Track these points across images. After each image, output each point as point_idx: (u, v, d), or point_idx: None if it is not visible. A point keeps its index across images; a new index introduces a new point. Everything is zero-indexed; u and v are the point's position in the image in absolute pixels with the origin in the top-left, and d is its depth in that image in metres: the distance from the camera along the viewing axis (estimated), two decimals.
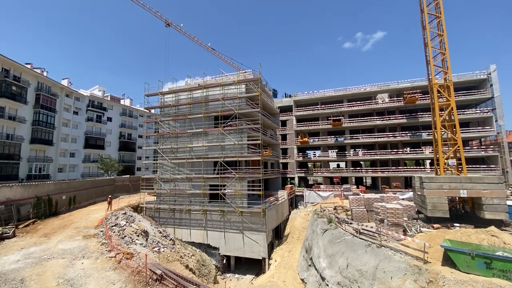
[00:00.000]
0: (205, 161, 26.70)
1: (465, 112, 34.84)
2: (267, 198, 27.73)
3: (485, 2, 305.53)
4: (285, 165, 44.70)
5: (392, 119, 38.14)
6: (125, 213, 24.55)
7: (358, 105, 40.15)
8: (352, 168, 40.65)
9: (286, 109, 45.31)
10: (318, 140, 42.13)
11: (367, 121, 39.51)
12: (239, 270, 23.56)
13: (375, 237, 14.45)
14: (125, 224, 21.51)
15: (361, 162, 49.41)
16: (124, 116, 55.81)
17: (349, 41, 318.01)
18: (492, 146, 34.09)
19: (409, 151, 38.17)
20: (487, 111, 34.31)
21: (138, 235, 20.50)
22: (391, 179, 37.06)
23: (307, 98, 44.00)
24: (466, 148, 34.41)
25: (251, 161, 30.15)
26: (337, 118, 40.02)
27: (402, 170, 36.54)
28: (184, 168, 27.59)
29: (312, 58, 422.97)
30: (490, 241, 12.37)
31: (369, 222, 18.63)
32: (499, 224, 14.63)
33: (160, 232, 23.54)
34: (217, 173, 25.72)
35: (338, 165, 57.46)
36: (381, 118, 39.04)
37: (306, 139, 40.81)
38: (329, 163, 49.36)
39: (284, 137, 45.22)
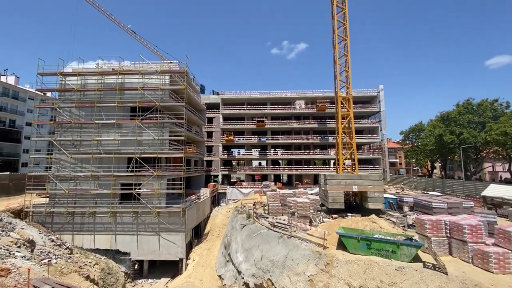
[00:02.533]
0: (117, 157, 23.71)
1: (360, 122, 42.28)
2: (188, 197, 26.83)
3: (378, 38, 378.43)
4: (209, 163, 44.24)
5: (306, 124, 42.91)
6: (0, 220, 19.35)
7: (279, 109, 43.44)
8: (272, 166, 43.71)
9: (213, 106, 44.89)
10: (243, 139, 43.48)
11: (286, 124, 43.14)
12: (153, 274, 21.98)
13: (287, 229, 15.90)
14: None
15: (280, 161, 53.61)
16: (4, 97, 43.98)
17: (276, 47, 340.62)
18: (377, 150, 42.57)
19: (319, 152, 43.75)
20: (375, 122, 42.64)
21: (19, 246, 16.49)
22: (303, 176, 41.71)
23: (234, 97, 44.77)
24: (359, 151, 41.84)
25: (172, 158, 28.51)
26: (261, 119, 42.21)
27: (312, 168, 41.66)
28: (90, 164, 23.76)
29: (242, 59, 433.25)
30: (371, 226, 15.34)
31: (283, 215, 20.35)
32: (378, 212, 18.36)
33: (53, 241, 19.60)
34: (132, 171, 23.23)
35: (260, 163, 60.67)
36: (298, 122, 43.34)
37: (231, 137, 41.46)
38: (252, 161, 51.63)
39: (210, 134, 44.71)
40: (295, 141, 42.62)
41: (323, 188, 20.22)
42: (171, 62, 29.86)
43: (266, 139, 42.91)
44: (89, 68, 27.06)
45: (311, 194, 27.61)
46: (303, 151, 42.76)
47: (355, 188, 18.42)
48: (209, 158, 43.72)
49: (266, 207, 23.16)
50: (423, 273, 10.01)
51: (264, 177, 45.13)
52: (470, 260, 11.07)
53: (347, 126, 23.54)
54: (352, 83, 24.36)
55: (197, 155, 35.64)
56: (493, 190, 23.63)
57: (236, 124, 43.73)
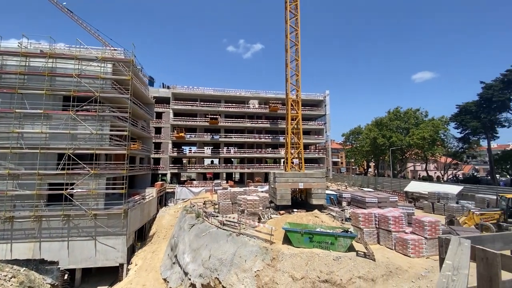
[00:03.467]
0: (45, 152, 20.58)
1: (308, 124, 45.01)
2: (132, 197, 24.89)
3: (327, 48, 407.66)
4: (157, 161, 41.74)
5: (259, 123, 43.86)
6: None
7: (234, 107, 43.43)
8: (224, 165, 43.49)
9: (163, 101, 42.41)
10: (195, 136, 42.20)
11: (240, 122, 43.37)
12: (88, 283, 19.80)
13: (236, 226, 15.99)
14: None
15: (233, 159, 53.68)
16: None
17: (232, 45, 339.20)
18: (322, 150, 45.91)
19: (270, 151, 45.16)
20: (321, 124, 45.90)
21: None
22: (255, 174, 42.58)
23: (186, 92, 43.08)
24: (306, 151, 44.53)
25: (114, 155, 26.05)
26: (215, 116, 41.55)
27: (264, 167, 42.83)
28: (7, 161, 20.12)
29: (196, 53, 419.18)
30: (314, 221, 16.44)
31: (233, 213, 20.43)
32: (321, 207, 19.83)
33: None
34: (63, 169, 20.44)
35: (212, 162, 59.76)
36: (251, 121, 43.98)
37: (182, 134, 39.83)
38: (204, 159, 50.51)
39: (158, 130, 42.17)
40: (248, 140, 43.20)
41: (272, 186, 20.94)
42: (115, 49, 27.18)
43: (219, 137, 42.46)
44: (9, 47, 22.89)
45: (262, 191, 28.32)
46: (255, 149, 43.61)
47: (301, 185, 19.53)
48: (156, 156, 41.24)
49: (217, 206, 22.94)
50: (356, 261, 11.17)
51: (216, 176, 44.62)
52: (393, 247, 12.77)
53: (295, 127, 24.79)
54: (301, 87, 25.79)
55: (143, 152, 33.30)
56: (413, 186, 27.65)
57: (188, 121, 42.21)
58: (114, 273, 20.10)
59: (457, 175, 53.34)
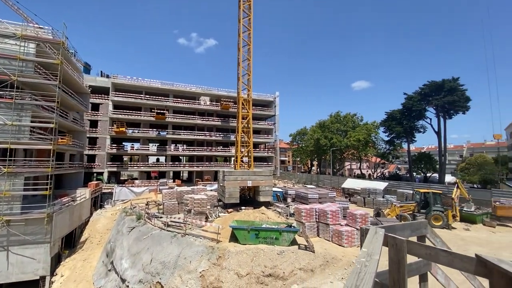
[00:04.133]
0: None
1: (258, 123, 46.04)
2: (59, 199, 21.75)
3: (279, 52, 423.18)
4: (92, 158, 37.37)
5: (210, 121, 43.05)
6: None
7: (183, 103, 41.58)
8: (172, 163, 41.37)
9: (100, 91, 38.04)
10: (139, 132, 39.09)
11: (189, 119, 41.80)
12: None
13: (181, 227, 15.39)
14: None
15: (181, 157, 51.58)
16: None
17: (184, 37, 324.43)
18: (271, 150, 47.51)
19: (221, 149, 44.76)
20: (271, 124, 47.44)
21: None
22: (204, 173, 41.70)
23: (130, 83, 39.53)
24: (256, 149, 45.56)
25: (36, 150, 22.36)
26: (162, 111, 39.15)
27: (214, 165, 42.25)
28: None
29: (144, 42, 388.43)
30: (261, 217, 16.91)
31: (179, 213, 19.61)
32: (267, 204, 20.51)
33: None
34: None
35: (158, 160, 56.32)
36: (202, 118, 42.84)
37: (124, 129, 36.43)
38: (149, 157, 47.28)
39: (94, 123, 37.72)
40: (198, 137, 42.01)
41: (221, 184, 20.80)
42: (40, 27, 23.30)
43: (167, 134, 40.22)
44: None
45: (211, 190, 27.88)
46: (206, 147, 42.63)
47: (249, 183, 19.86)
48: (91, 152, 36.89)
49: (161, 206, 21.72)
50: (297, 254, 11.87)
51: (162, 175, 42.17)
52: (331, 239, 13.97)
53: (246, 126, 25.08)
54: (253, 87, 26.22)
55: (74, 148, 29.39)
56: (349, 183, 30.68)
57: (131, 115, 38.80)
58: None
59: (384, 173, 61.28)
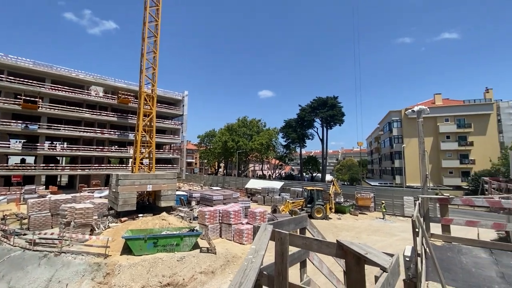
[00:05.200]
0: None
1: (164, 122, 42.99)
2: None
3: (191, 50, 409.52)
4: None
5: (103, 115, 36.91)
6: None
7: (65, 91, 33.92)
8: (44, 165, 32.95)
9: None
10: None
11: (74, 111, 34.55)
12: None
13: (56, 244, 12.48)
14: None
15: (59, 158, 41.91)
16: None
17: (73, 12, 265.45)
18: (177, 151, 45.21)
19: (115, 149, 39.11)
20: (178, 124, 45.17)
21: None
22: (92, 177, 35.29)
23: None
24: (160, 150, 42.37)
25: None
26: (32, 99, 30.67)
27: (105, 168, 36.32)
28: None
29: (19, 9, 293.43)
30: (161, 224, 15.73)
31: (52, 228, 15.84)
32: (169, 209, 19.31)
33: None
34: None
35: (23, 160, 43.71)
36: (91, 111, 36.17)
37: None
38: (8, 156, 36.10)
39: None
40: (86, 134, 35.12)
41: (114, 190, 18.14)
42: None
43: (39, 127, 31.78)
44: None
45: (100, 197, 23.89)
46: (95, 147, 36.14)
47: (149, 188, 18.20)
48: None
49: (26, 220, 16.93)
50: (199, 258, 11.69)
51: (30, 179, 32.96)
52: (232, 238, 14.47)
53: (148, 124, 22.94)
54: (158, 82, 24.29)
55: None
56: (252, 184, 32.81)
57: None
58: None
59: (281, 174, 68.96)
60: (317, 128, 53.98)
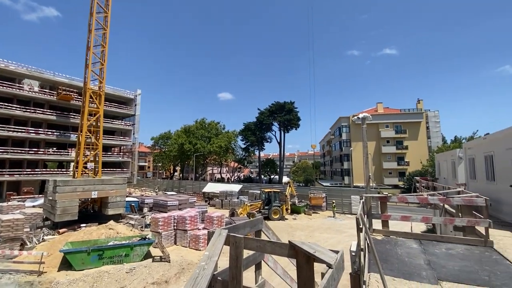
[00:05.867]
0: None
1: (113, 122, 39.61)
2: None
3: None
4: None
5: (39, 113, 32.41)
6: None
7: None
8: None
9: None
10: None
11: (1, 107, 29.68)
12: None
13: None
14: None
15: None
16: None
17: None
18: (128, 154, 42.03)
19: (54, 151, 34.67)
20: (129, 124, 42.05)
21: None
22: (23, 183, 30.67)
23: None
24: (108, 153, 38.92)
25: None
26: None
27: (40, 173, 31.88)
28: None
29: None
30: (108, 234, 14.41)
31: None
32: (118, 217, 17.80)
33: None
34: None
35: None
36: (24, 108, 31.49)
37: None
38: None
39: None
40: (16, 134, 30.37)
41: (50, 198, 16.03)
42: None
43: None
44: None
45: (33, 206, 20.90)
46: (27, 149, 31.48)
47: (94, 195, 16.54)
48: None
49: None
50: (151, 267, 11.00)
51: None
52: (188, 245, 13.96)
53: (95, 124, 20.94)
54: (110, 80, 22.38)
55: None
56: (209, 187, 32.19)
57: None
58: None
59: (240, 176, 69.09)
60: (275, 132, 55.68)
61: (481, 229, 6.10)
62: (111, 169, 37.34)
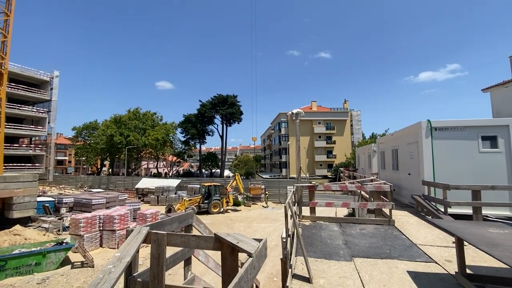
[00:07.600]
0: None
1: (21, 108, 32.80)
2: None
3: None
4: None
5: None
6: None
7: None
8: None
9: None
10: None
11: None
12: None
13: None
14: None
15: None
16: None
17: None
18: (40, 146, 35.52)
19: None
20: (43, 111, 35.42)
21: None
22: None
23: None
24: (15, 145, 32.27)
25: None
26: None
27: None
28: None
29: None
30: (12, 241, 12.04)
31: None
32: (27, 221, 14.97)
33: None
34: None
35: None
36: None
37: None
38: None
39: None
40: None
41: None
42: None
43: None
44: None
45: None
46: None
47: None
48: None
49: None
50: (70, 275, 9.64)
51: None
52: (117, 246, 12.71)
53: None
54: (10, 55, 18.29)
55: None
56: (144, 183, 29.92)
57: None
58: None
59: (179, 171, 66.13)
60: (217, 125, 54.95)
61: (386, 210, 7.24)
62: (19, 164, 31.08)
